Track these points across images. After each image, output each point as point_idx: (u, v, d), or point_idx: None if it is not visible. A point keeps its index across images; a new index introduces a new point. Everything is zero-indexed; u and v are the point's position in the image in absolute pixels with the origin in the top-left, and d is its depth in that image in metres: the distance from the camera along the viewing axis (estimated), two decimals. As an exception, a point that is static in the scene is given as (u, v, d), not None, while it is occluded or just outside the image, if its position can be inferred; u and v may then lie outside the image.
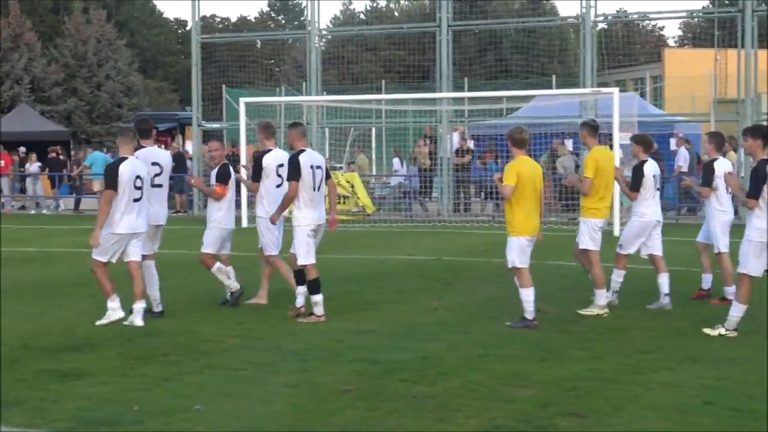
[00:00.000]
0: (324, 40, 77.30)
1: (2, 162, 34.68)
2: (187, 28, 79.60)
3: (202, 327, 11.45)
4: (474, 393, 8.35)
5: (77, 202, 33.94)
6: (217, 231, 12.92)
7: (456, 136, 30.69)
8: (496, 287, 14.27)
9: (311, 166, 11.89)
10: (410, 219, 28.55)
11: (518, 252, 11.34)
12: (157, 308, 12.14)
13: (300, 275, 12.00)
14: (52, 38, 62.37)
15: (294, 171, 11.79)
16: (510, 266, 11.44)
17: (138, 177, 11.47)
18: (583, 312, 12.15)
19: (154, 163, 12.14)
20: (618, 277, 12.80)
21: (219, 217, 12.92)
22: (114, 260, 11.59)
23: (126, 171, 11.38)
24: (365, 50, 66.89)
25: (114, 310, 11.58)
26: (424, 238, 22.98)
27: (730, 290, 12.42)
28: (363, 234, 24.36)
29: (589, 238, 12.39)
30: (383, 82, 36.89)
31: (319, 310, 11.78)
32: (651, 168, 12.68)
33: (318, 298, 11.80)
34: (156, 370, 9.29)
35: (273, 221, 12.35)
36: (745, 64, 27.12)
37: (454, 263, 17.72)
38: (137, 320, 11.44)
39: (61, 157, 36.42)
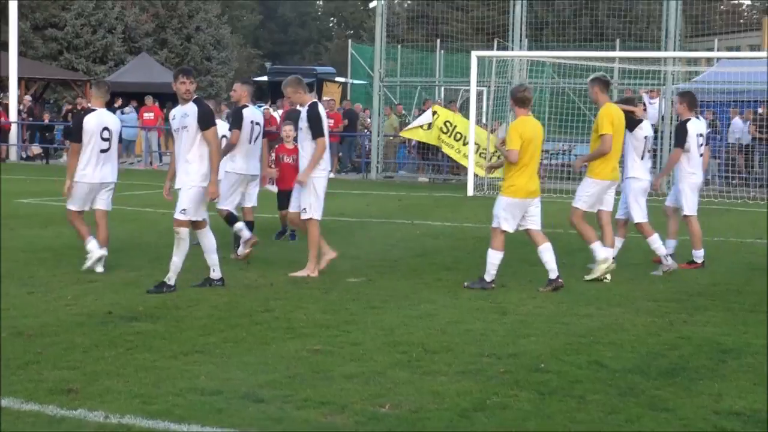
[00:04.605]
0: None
1: (151, 114, 31.77)
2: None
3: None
4: None
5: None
6: None
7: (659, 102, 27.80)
8: None
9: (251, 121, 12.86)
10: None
11: (506, 212, 10.89)
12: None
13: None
14: (144, -14, 59.35)
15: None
16: (494, 225, 10.95)
17: (105, 129, 11.62)
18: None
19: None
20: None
21: None
22: (86, 209, 11.81)
23: (91, 123, 11.52)
24: (455, 9, 64.35)
25: (93, 250, 11.58)
26: (714, 217, 20.09)
27: (699, 253, 12.84)
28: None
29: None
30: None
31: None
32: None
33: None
34: None
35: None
36: None
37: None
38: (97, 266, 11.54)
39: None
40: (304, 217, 11.67)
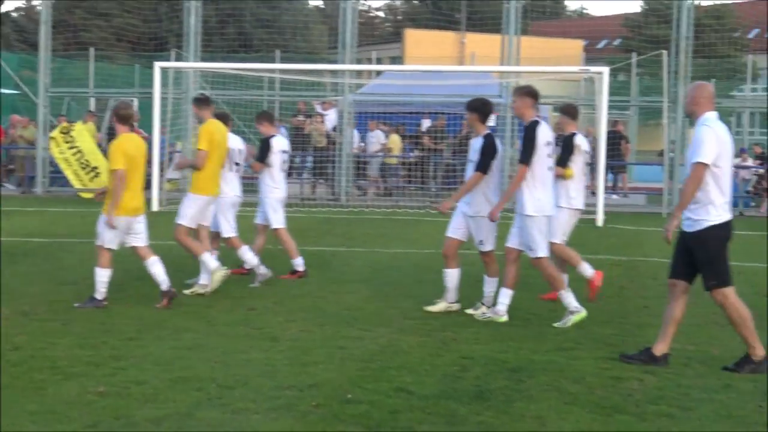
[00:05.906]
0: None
1: None
2: None
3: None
4: None
5: None
6: None
7: (334, 113, 28.11)
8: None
9: None
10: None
11: (109, 232, 10.75)
12: None
13: None
14: None
15: None
16: (98, 243, 10.85)
17: None
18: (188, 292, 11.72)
19: None
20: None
21: None
22: None
23: None
24: (96, 16, 62.58)
25: None
26: (410, 227, 20.48)
27: (298, 262, 13.06)
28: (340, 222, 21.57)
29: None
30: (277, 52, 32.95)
31: None
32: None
33: None
34: None
35: None
36: (508, 50, 26.08)
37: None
38: None
39: None
40: None
